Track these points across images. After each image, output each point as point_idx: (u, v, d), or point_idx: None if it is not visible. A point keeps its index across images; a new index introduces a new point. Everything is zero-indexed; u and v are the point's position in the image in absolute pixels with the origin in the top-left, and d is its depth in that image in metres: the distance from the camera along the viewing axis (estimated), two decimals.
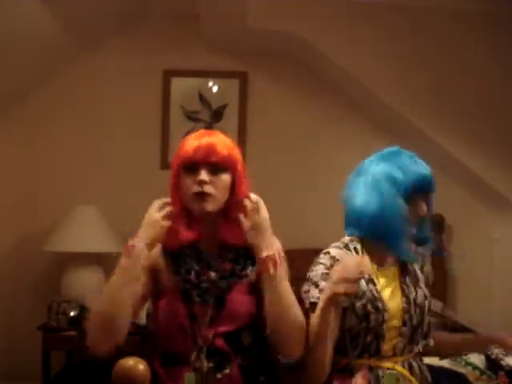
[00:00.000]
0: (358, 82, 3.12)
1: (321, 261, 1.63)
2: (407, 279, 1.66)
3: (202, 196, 1.49)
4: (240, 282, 1.53)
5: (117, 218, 3.17)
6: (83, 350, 2.89)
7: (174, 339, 1.51)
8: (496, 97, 3.05)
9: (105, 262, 3.22)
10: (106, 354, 1.42)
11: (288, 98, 3.44)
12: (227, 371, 1.46)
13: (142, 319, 2.95)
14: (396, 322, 1.59)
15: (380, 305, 1.58)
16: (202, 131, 1.60)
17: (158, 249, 1.55)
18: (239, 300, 1.52)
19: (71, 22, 2.99)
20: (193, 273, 1.51)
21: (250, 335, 1.53)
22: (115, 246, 3.11)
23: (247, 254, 1.55)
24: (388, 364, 1.57)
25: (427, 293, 1.67)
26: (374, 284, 1.61)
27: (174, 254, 1.55)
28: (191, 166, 1.51)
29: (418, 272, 1.71)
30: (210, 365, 1.42)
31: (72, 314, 2.92)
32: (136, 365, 1.35)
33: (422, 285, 1.68)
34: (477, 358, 2.77)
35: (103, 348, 1.42)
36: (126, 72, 3.41)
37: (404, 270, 1.67)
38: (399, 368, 1.58)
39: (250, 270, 1.54)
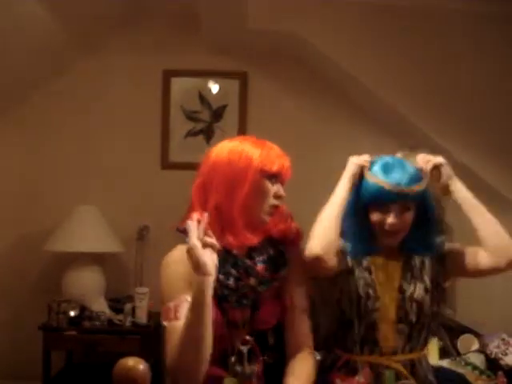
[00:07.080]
0: (358, 82, 3.12)
1: None
2: (408, 276, 1.66)
3: (275, 209, 1.55)
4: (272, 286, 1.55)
5: (117, 218, 3.18)
6: (83, 350, 2.91)
7: None
8: (497, 97, 3.05)
9: (105, 262, 3.23)
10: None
11: (288, 98, 3.44)
12: (255, 368, 1.47)
13: (142, 319, 2.95)
14: (390, 315, 1.61)
15: (371, 292, 1.62)
16: (268, 143, 1.64)
17: None
18: (271, 302, 1.54)
19: (71, 23, 2.99)
20: (231, 279, 1.49)
21: (274, 335, 1.54)
22: (115, 246, 3.12)
23: (277, 256, 1.56)
24: (387, 362, 1.59)
25: (429, 286, 1.65)
26: (370, 273, 1.65)
27: None
28: (272, 177, 1.55)
29: (427, 264, 1.68)
30: (253, 368, 1.44)
31: (72, 313, 2.92)
32: (136, 365, 1.35)
33: (427, 278, 1.66)
34: (476, 358, 2.78)
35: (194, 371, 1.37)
36: (126, 72, 3.41)
37: (408, 265, 1.67)
38: (397, 366, 1.58)
39: (283, 272, 1.55)
